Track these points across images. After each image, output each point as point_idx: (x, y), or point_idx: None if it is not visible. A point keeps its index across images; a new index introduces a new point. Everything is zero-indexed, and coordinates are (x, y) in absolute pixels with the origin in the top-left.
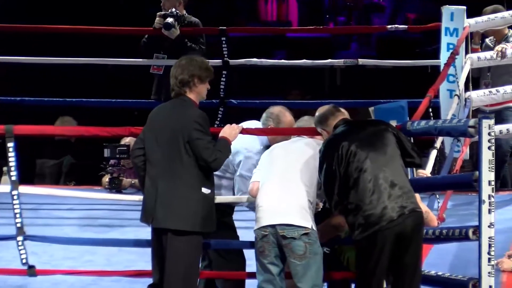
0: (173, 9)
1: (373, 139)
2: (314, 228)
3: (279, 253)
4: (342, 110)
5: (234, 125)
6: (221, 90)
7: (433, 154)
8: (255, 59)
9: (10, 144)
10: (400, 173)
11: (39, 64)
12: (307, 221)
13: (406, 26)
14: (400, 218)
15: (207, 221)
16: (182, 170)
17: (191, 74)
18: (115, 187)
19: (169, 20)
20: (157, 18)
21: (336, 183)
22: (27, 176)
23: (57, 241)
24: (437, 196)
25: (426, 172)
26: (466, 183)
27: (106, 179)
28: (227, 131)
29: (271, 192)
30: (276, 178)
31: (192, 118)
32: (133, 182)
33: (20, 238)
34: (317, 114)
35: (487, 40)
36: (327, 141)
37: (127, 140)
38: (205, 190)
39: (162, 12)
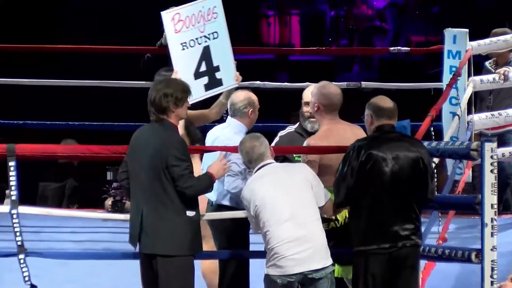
0: None
1: (405, 166)
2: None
3: None
4: (391, 111)
5: (223, 161)
6: (224, 112)
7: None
8: (258, 82)
9: (12, 163)
10: (413, 204)
11: (41, 86)
12: (329, 256)
13: (409, 49)
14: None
15: (193, 243)
16: (164, 195)
17: (167, 100)
18: (118, 210)
19: None
20: (164, 34)
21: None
22: (29, 199)
23: (58, 257)
24: (439, 215)
25: None
26: (469, 205)
27: (109, 202)
28: (215, 168)
29: (289, 237)
30: (288, 221)
31: (169, 145)
32: None
33: (21, 256)
34: (380, 103)
35: (486, 63)
36: (364, 140)
37: None
38: (189, 213)
39: None
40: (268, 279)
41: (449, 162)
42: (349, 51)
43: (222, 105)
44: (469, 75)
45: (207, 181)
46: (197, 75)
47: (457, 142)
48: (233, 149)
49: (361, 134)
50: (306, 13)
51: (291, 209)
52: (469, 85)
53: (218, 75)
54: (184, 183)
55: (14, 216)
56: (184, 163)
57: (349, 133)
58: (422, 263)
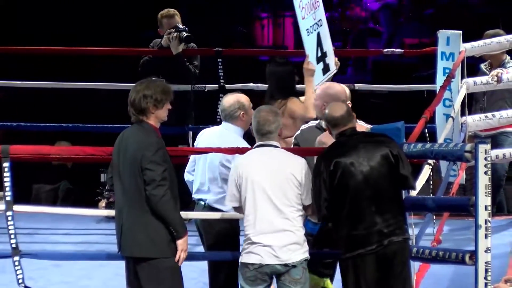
0: (179, 25)
1: (376, 164)
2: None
3: (269, 280)
4: (353, 114)
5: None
6: (218, 114)
7: (426, 169)
8: (251, 84)
9: (6, 164)
10: (392, 199)
11: (36, 88)
12: (306, 248)
13: (402, 50)
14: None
15: (173, 246)
16: (140, 198)
17: (146, 102)
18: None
19: (189, 34)
20: (166, 35)
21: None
22: (23, 201)
23: (53, 258)
24: (433, 217)
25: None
26: (462, 207)
27: (102, 204)
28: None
29: (267, 227)
30: (267, 211)
31: (145, 147)
32: None
33: (16, 258)
34: (331, 113)
35: (482, 65)
36: (329, 150)
37: None
38: None
39: (171, 29)
40: (241, 265)
41: (443, 164)
42: (342, 53)
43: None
44: (462, 77)
45: (174, 215)
46: (317, 60)
47: (451, 144)
48: (233, 151)
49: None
50: None
51: (271, 200)
52: (462, 87)
53: (327, 60)
54: (152, 190)
55: (9, 217)
56: (159, 167)
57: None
58: (416, 265)
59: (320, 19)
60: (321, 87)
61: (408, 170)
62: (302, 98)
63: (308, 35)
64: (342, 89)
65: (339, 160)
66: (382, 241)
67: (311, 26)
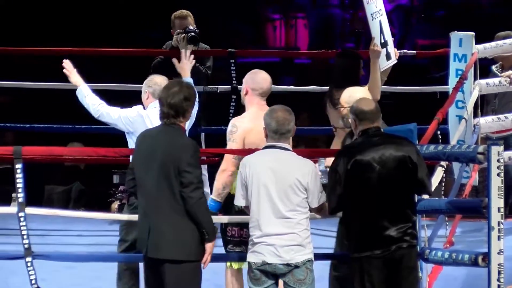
0: (190, 26)
1: (393, 168)
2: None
3: (273, 280)
4: (373, 114)
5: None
6: (230, 115)
7: (439, 171)
8: None
9: (19, 166)
10: (405, 204)
11: (48, 89)
12: (310, 249)
13: (415, 52)
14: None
15: (201, 248)
16: (172, 200)
17: (187, 104)
18: (124, 213)
19: (194, 34)
20: (175, 36)
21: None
22: (35, 202)
23: (65, 259)
24: (446, 219)
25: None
26: (475, 209)
27: (115, 205)
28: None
29: (271, 229)
30: (271, 213)
31: (183, 149)
32: None
33: (28, 259)
34: (361, 106)
35: (493, 67)
36: (349, 147)
37: None
38: None
39: (180, 30)
40: (248, 266)
41: (456, 165)
42: None
43: (381, 81)
44: (475, 78)
45: (208, 218)
46: (381, 45)
47: (464, 145)
48: (243, 152)
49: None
50: (315, 16)
51: (274, 204)
52: (475, 89)
53: (388, 48)
54: (190, 192)
55: (21, 218)
56: (196, 170)
57: None
58: (429, 266)
59: (381, 9)
60: (249, 72)
61: (425, 176)
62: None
63: (372, 20)
64: (266, 77)
65: (357, 158)
66: (390, 246)
67: (374, 12)
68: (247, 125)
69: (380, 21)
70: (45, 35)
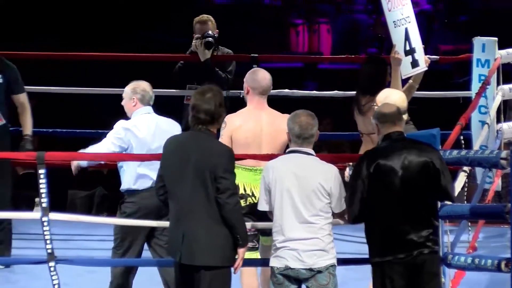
0: (210, 32)
1: (415, 173)
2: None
3: (296, 285)
4: (404, 119)
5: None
6: None
7: (461, 176)
8: (286, 90)
9: (42, 171)
10: (427, 209)
11: (71, 94)
12: (333, 254)
13: (438, 57)
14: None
15: (233, 253)
16: (207, 205)
17: (222, 110)
18: None
19: (210, 39)
20: (194, 41)
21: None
22: (58, 207)
23: (88, 264)
24: (469, 224)
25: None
26: (498, 214)
27: None
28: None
29: (293, 234)
30: (293, 218)
31: (220, 155)
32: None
33: (52, 263)
34: (381, 109)
35: None
36: (372, 152)
37: None
38: None
39: (199, 34)
40: (271, 271)
41: (479, 171)
42: None
43: (412, 88)
44: (498, 84)
45: (243, 224)
46: (405, 52)
47: (487, 151)
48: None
49: (285, 122)
50: (339, 21)
51: (297, 209)
52: (498, 94)
53: (415, 56)
54: (226, 198)
55: (45, 223)
56: (232, 176)
57: (267, 118)
58: (452, 272)
59: (409, 16)
60: (249, 71)
61: (449, 183)
62: None
63: (395, 27)
64: (265, 76)
65: (380, 163)
66: (412, 251)
67: (398, 20)
68: (236, 122)
69: (406, 28)
70: (63, 39)
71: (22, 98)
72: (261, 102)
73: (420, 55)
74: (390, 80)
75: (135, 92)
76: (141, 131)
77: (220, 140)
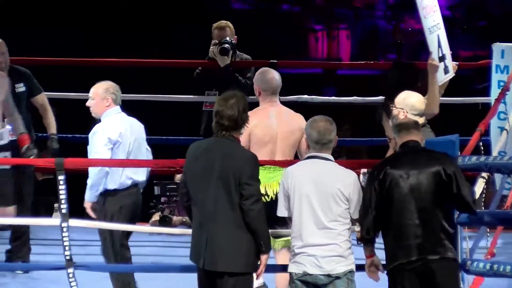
0: (228, 38)
1: (425, 180)
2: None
3: None
4: (411, 127)
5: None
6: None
7: (480, 182)
8: (305, 96)
9: (61, 177)
10: (439, 216)
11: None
12: (351, 260)
13: (457, 63)
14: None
15: (256, 260)
16: (231, 211)
17: (246, 116)
18: (166, 225)
19: (226, 45)
20: (211, 46)
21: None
22: (77, 213)
23: (106, 270)
24: (487, 230)
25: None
26: None
27: (156, 217)
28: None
29: (312, 240)
30: (312, 224)
31: (245, 161)
32: (184, 219)
33: (70, 269)
34: (397, 119)
35: None
36: (385, 159)
37: (178, 177)
38: None
39: (217, 40)
40: (289, 276)
41: (497, 177)
42: None
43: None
44: None
45: (266, 230)
46: (439, 59)
47: (506, 157)
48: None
49: (298, 120)
50: (358, 27)
51: (316, 214)
52: None
53: (446, 62)
54: (250, 204)
55: (64, 229)
56: (257, 182)
57: (281, 115)
58: (470, 278)
59: (439, 23)
60: (258, 72)
61: (466, 193)
62: None
63: (430, 34)
64: (274, 76)
65: (390, 170)
66: (422, 255)
67: (432, 26)
68: (253, 121)
69: (438, 35)
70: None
71: (41, 99)
72: (274, 101)
73: (449, 62)
74: (419, 85)
75: (110, 92)
76: (122, 130)
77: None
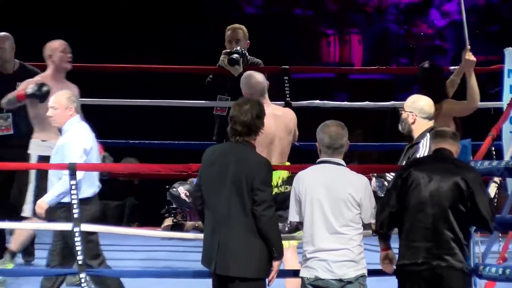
0: (238, 47)
1: (445, 188)
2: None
3: None
4: (448, 136)
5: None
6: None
7: (492, 187)
8: (317, 101)
9: (73, 182)
10: (454, 225)
11: (102, 105)
12: (363, 265)
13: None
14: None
15: (269, 266)
16: (243, 217)
17: (260, 122)
18: (178, 230)
19: (235, 56)
20: (222, 56)
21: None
22: None
23: (118, 275)
24: (499, 235)
25: None
26: None
27: (169, 221)
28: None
29: (324, 245)
30: (324, 229)
31: (258, 167)
32: (196, 224)
33: (82, 274)
34: (437, 129)
35: None
36: (412, 161)
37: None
38: None
39: (227, 50)
40: (301, 280)
41: (510, 181)
42: (409, 70)
43: (455, 83)
44: None
45: (278, 236)
46: None
47: None
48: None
49: (289, 114)
50: (370, 31)
51: (328, 219)
52: None
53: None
54: (262, 210)
55: (76, 234)
56: (269, 188)
57: (276, 114)
58: (482, 282)
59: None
60: (242, 77)
61: (488, 212)
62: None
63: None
64: (258, 79)
65: (414, 171)
66: (428, 260)
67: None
68: None
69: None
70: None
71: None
72: (264, 102)
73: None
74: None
75: (72, 101)
76: (90, 138)
77: None
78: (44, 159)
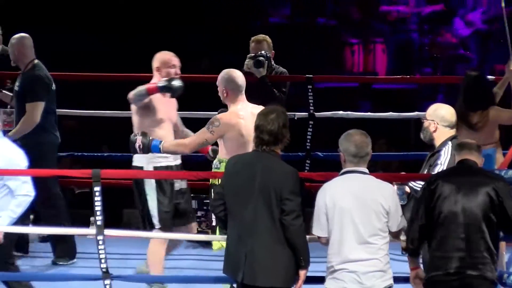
0: (263, 51)
1: (475, 198)
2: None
3: None
4: (474, 148)
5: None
6: (307, 142)
7: None
8: (341, 112)
9: (97, 188)
10: (485, 236)
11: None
12: (390, 275)
13: (493, 77)
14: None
15: (294, 275)
16: (271, 226)
17: (286, 131)
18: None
19: (261, 58)
20: (246, 60)
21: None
22: (114, 226)
23: (143, 280)
24: None
25: None
26: None
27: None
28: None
29: (352, 255)
30: (353, 239)
31: (287, 176)
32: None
33: (107, 281)
34: (461, 143)
35: None
36: (441, 172)
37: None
38: None
39: (252, 54)
40: None
41: None
42: (432, 79)
43: (497, 95)
44: None
45: (306, 246)
46: None
47: None
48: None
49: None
50: (394, 41)
51: (357, 229)
52: None
53: None
54: (292, 220)
55: (100, 241)
56: (298, 198)
57: (251, 110)
58: None
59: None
60: (221, 74)
61: None
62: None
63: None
64: (239, 75)
65: (443, 183)
66: (461, 270)
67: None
68: (232, 121)
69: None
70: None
71: (28, 107)
72: (243, 99)
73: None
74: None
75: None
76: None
77: (207, 133)
78: None
